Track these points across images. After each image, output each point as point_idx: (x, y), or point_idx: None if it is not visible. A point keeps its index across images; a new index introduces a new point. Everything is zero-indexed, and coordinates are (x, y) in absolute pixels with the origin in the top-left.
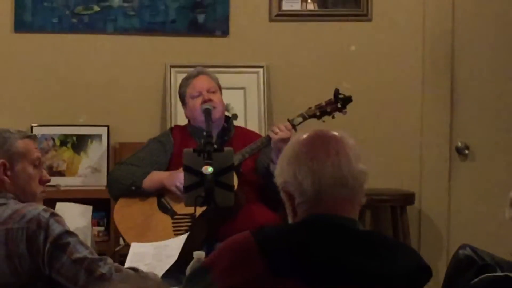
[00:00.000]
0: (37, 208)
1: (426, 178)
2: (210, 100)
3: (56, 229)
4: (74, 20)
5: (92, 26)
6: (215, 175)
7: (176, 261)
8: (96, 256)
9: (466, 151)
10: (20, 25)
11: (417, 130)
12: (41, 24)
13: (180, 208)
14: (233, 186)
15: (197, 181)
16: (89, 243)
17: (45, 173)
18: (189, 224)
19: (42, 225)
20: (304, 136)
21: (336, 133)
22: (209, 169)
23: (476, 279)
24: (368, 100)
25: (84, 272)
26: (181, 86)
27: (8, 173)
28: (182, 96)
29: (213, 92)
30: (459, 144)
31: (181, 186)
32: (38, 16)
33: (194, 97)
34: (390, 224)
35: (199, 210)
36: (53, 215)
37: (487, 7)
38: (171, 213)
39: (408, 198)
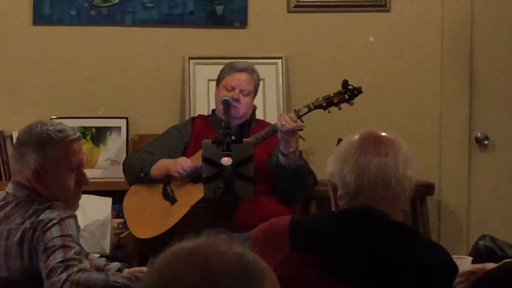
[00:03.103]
0: (55, 211)
1: (445, 169)
2: (237, 101)
3: (53, 232)
4: (93, 13)
5: (110, 18)
6: (234, 166)
7: None
8: (70, 263)
9: (486, 142)
10: (39, 18)
11: (436, 121)
12: (59, 16)
13: (182, 196)
14: (253, 177)
15: (217, 173)
16: (108, 235)
17: (84, 176)
18: (186, 213)
19: (45, 228)
20: (359, 133)
21: (390, 136)
22: (228, 161)
23: (497, 265)
24: (387, 90)
25: (45, 276)
26: (223, 70)
27: (42, 179)
28: (219, 80)
29: (246, 95)
30: (479, 134)
31: (183, 172)
32: (57, 9)
33: (227, 89)
34: (410, 215)
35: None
36: (63, 219)
37: None
38: (172, 201)
39: (427, 189)
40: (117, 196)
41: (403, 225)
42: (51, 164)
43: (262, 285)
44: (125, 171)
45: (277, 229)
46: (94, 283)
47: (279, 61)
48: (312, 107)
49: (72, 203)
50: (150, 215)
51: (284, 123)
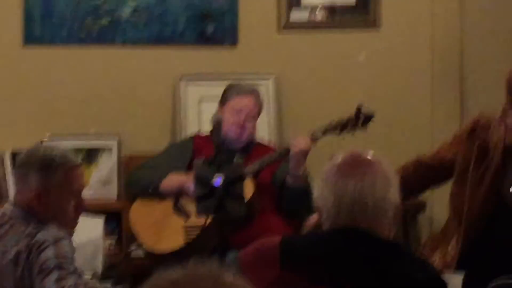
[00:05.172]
0: (49, 233)
1: None
2: (243, 125)
3: (47, 253)
4: (83, 33)
5: (101, 38)
6: (226, 185)
7: None
8: (63, 285)
9: None
10: (29, 39)
11: (427, 139)
12: (50, 37)
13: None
14: (244, 196)
15: (208, 192)
16: (100, 255)
17: (83, 202)
18: (200, 229)
19: (40, 249)
20: (342, 155)
21: (370, 158)
22: (219, 180)
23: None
24: (378, 108)
25: None
26: (229, 90)
27: (43, 201)
28: (224, 100)
29: (252, 117)
30: None
31: None
32: (47, 29)
33: (233, 112)
34: (401, 233)
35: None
36: (58, 241)
37: (495, 14)
38: (185, 216)
39: (419, 207)
40: (109, 216)
41: (389, 241)
42: (54, 188)
43: None
44: (131, 185)
45: (266, 249)
46: None
47: (270, 80)
48: (326, 131)
49: (69, 228)
50: (165, 229)
51: (297, 143)
